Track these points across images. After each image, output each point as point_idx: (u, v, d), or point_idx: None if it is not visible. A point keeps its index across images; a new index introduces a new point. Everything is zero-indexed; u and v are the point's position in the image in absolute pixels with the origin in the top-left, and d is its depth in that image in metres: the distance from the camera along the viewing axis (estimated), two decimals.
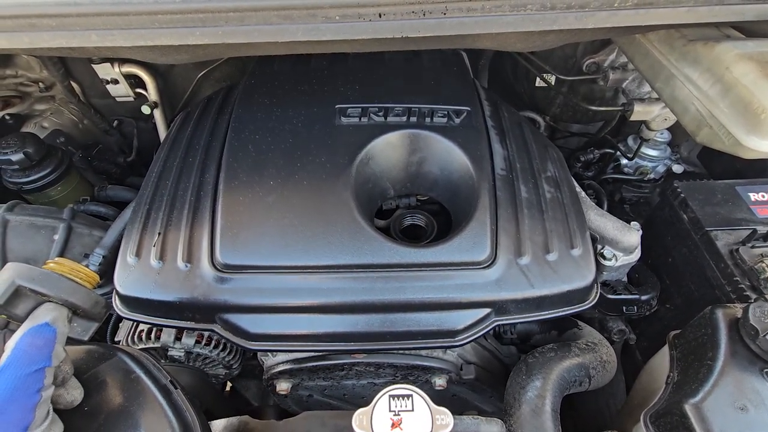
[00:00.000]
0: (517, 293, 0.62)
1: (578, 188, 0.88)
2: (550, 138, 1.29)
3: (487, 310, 0.62)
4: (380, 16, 0.52)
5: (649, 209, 1.18)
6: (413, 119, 0.73)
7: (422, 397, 0.48)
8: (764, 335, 0.50)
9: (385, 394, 0.48)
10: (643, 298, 0.78)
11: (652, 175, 1.15)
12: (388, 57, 0.87)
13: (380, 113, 0.74)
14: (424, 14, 0.52)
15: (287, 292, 0.60)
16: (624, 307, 0.79)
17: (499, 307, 0.62)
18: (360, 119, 0.73)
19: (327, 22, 0.53)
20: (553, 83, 1.05)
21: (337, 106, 0.75)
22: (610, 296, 0.78)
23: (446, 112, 0.75)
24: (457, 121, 0.74)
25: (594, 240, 0.81)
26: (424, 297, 0.61)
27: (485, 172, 0.69)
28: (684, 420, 0.49)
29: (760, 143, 0.57)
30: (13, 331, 0.44)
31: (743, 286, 0.70)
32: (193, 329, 0.66)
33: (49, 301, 0.46)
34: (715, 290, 0.74)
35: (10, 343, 0.41)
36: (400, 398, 0.48)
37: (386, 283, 0.61)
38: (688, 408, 0.49)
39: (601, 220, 0.80)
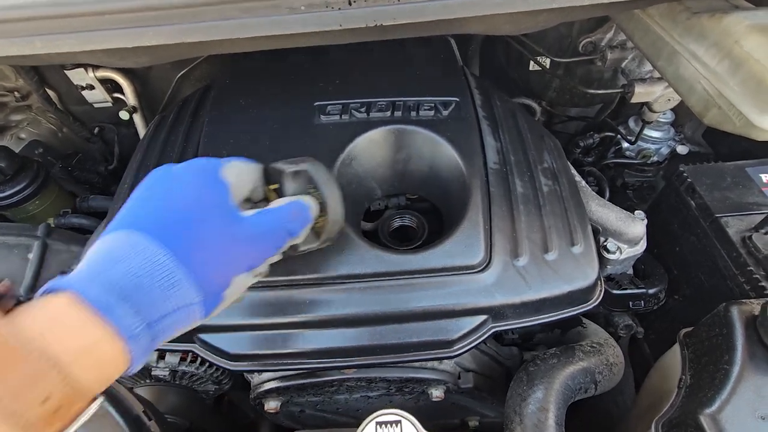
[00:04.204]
0: (514, 297, 0.57)
1: (578, 177, 0.83)
2: (547, 123, 1.23)
3: (483, 317, 0.57)
4: (350, 3, 0.47)
5: (653, 193, 1.13)
6: (398, 114, 0.68)
7: (411, 423, 0.44)
8: None
9: (371, 421, 0.45)
10: (651, 291, 0.74)
11: (655, 158, 1.10)
12: (370, 48, 0.82)
13: (362, 109, 0.69)
14: None
15: (267, 309, 0.56)
16: (630, 303, 0.75)
17: (496, 313, 0.58)
18: (341, 116, 0.69)
19: (292, 14, 0.48)
20: (548, 66, 0.99)
21: (316, 104, 0.70)
22: (615, 292, 0.74)
23: (433, 104, 0.70)
24: (445, 113, 0.69)
25: (596, 232, 0.77)
26: (415, 306, 0.57)
27: (476, 167, 0.64)
28: None
29: None
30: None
31: (758, 276, 0.65)
32: (172, 350, 0.63)
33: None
34: (727, 281, 0.70)
35: (279, 202, 0.43)
36: (388, 425, 0.45)
37: (373, 294, 0.57)
38: (703, 419, 0.45)
39: (603, 211, 0.76)
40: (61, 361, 0.28)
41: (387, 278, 0.57)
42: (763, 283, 0.65)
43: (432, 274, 0.57)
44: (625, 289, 0.74)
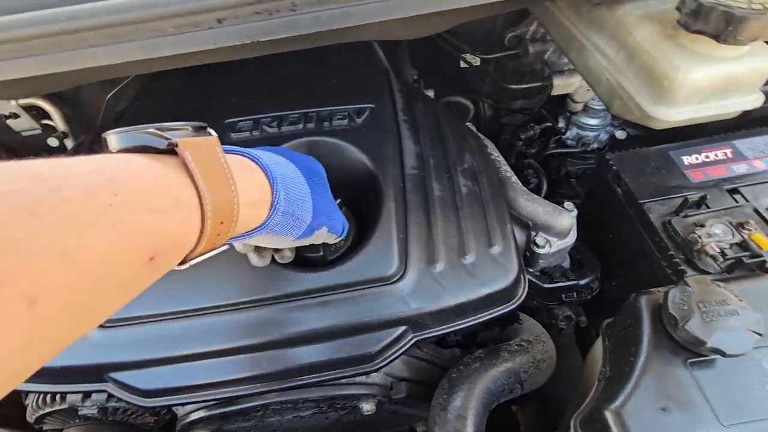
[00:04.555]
0: (432, 305, 0.57)
1: (509, 172, 0.83)
2: (494, 117, 1.23)
3: (402, 328, 0.57)
4: (220, 22, 0.45)
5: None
6: (310, 125, 0.67)
7: None
8: (683, 324, 0.46)
9: None
10: (582, 283, 0.74)
11: (595, 145, 1.11)
12: (287, 57, 0.80)
13: (273, 123, 0.67)
14: (270, 14, 0.45)
15: (178, 340, 0.54)
16: (563, 295, 0.75)
17: (415, 322, 0.57)
18: (251, 133, 0.67)
19: (161, 36, 0.46)
20: (478, 63, 0.99)
21: (226, 121, 0.68)
22: (546, 285, 0.74)
23: (347, 113, 0.69)
24: (359, 120, 0.68)
25: (527, 227, 0.77)
26: (331, 324, 0.55)
27: (391, 174, 0.63)
28: (605, 429, 0.45)
29: (667, 113, 0.52)
30: None
31: (678, 260, 0.66)
32: (85, 392, 0.60)
33: None
34: (653, 266, 0.71)
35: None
36: None
37: (287, 315, 0.55)
38: (608, 415, 0.45)
39: (531, 206, 0.76)
40: (240, 200, 0.35)
41: (300, 298, 0.56)
42: (682, 267, 0.65)
43: (346, 290, 0.56)
44: (557, 282, 0.74)
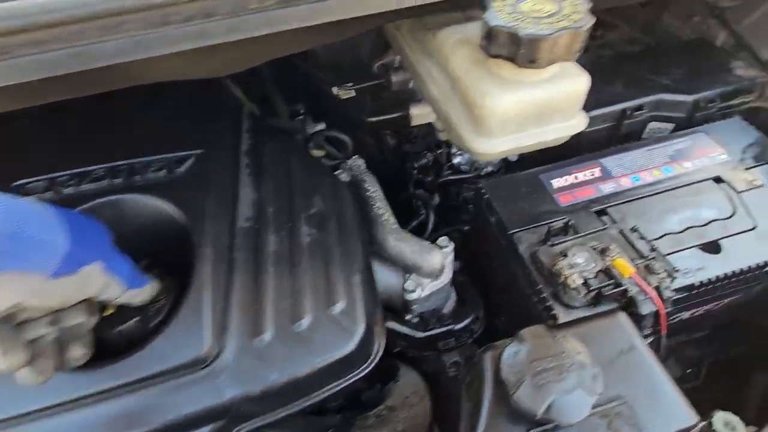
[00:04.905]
0: (255, 388, 0.47)
1: (382, 209, 0.77)
2: (397, 146, 1.18)
3: (219, 423, 0.47)
4: None
5: None
6: (118, 181, 0.57)
7: None
8: (514, 392, 0.39)
9: None
10: (458, 327, 0.68)
11: (489, 168, 1.08)
12: (107, 100, 0.70)
13: (72, 182, 0.57)
14: None
15: None
16: (440, 344, 0.68)
17: (236, 413, 0.47)
18: (44, 193, 0.56)
19: None
20: (353, 94, 0.93)
21: (13, 184, 0.57)
22: (419, 335, 0.67)
23: (166, 162, 0.59)
24: (181, 170, 0.59)
25: (401, 269, 0.70)
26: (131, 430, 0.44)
27: (212, 232, 0.54)
28: None
29: (486, 144, 0.47)
30: None
31: (545, 295, 0.61)
32: None
33: None
34: (527, 301, 0.65)
35: None
36: None
37: (72, 426, 0.44)
38: None
39: (399, 246, 0.69)
40: None
41: (88, 402, 0.44)
42: (550, 303, 0.60)
43: (144, 384, 0.46)
44: (431, 329, 0.67)
